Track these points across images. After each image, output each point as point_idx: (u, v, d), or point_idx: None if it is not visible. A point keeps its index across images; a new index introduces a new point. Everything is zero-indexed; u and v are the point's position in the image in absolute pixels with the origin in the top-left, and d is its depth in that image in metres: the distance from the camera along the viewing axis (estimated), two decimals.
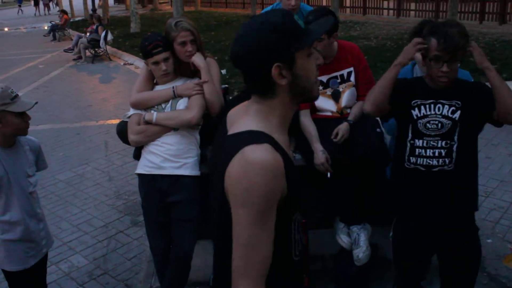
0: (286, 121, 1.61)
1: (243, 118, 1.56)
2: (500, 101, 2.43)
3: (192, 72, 3.21)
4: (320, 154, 3.19)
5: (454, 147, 2.55)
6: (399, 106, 2.64)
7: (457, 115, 2.54)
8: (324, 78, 3.40)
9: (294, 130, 3.36)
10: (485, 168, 5.69)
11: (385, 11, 21.91)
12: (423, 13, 20.27)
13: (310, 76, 1.57)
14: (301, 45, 1.51)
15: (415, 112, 2.59)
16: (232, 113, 1.66)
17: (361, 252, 3.31)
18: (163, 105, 3.10)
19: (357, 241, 3.35)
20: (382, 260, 3.75)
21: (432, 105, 2.57)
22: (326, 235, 3.64)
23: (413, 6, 20.71)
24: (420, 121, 2.58)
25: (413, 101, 2.60)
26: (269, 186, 1.40)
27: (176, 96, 3.09)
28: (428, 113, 2.58)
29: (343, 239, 3.43)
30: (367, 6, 22.62)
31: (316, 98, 1.68)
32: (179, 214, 3.13)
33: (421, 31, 2.66)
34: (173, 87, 3.09)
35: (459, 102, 2.54)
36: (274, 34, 1.49)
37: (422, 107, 2.59)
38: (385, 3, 21.99)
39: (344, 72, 3.41)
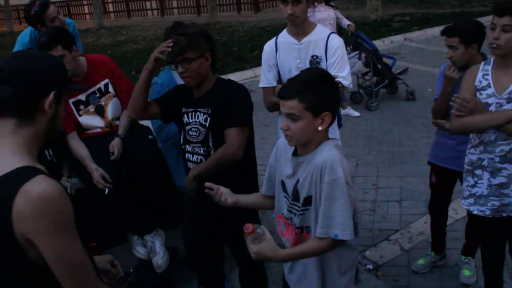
0: (35, 152, 1.61)
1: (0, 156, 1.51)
2: None
3: None
4: (95, 173, 3.13)
5: (212, 153, 2.72)
6: (173, 112, 2.76)
7: (208, 122, 2.71)
8: (82, 97, 3.31)
9: (66, 154, 3.25)
10: (262, 148, 6.18)
11: (149, 12, 22.15)
12: (185, 9, 20.94)
13: (61, 120, 1.68)
14: (68, 88, 1.67)
15: (184, 119, 2.73)
16: None
17: (159, 259, 3.35)
18: None
19: (153, 249, 3.38)
20: (183, 261, 3.86)
21: (192, 113, 2.73)
22: (124, 251, 3.59)
23: (175, 3, 21.29)
24: (186, 127, 2.74)
25: (182, 108, 2.73)
26: (67, 208, 1.49)
27: None
28: (190, 120, 2.73)
29: (139, 251, 3.43)
30: (131, 9, 22.61)
31: (54, 138, 1.74)
32: None
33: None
34: None
35: (209, 109, 2.70)
36: (58, 66, 1.61)
37: (186, 115, 2.74)
38: (148, 3, 22.19)
39: (101, 85, 3.36)
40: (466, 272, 3.57)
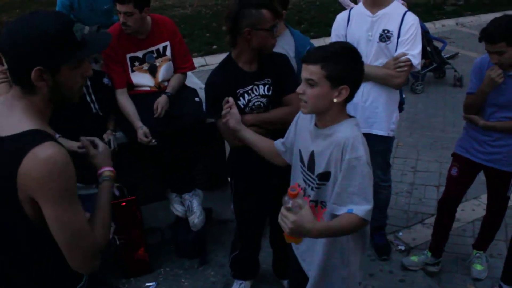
0: (47, 117, 1.64)
1: (12, 117, 1.55)
2: None
3: None
4: (139, 131, 3.19)
5: None
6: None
7: (270, 92, 2.71)
8: (140, 54, 3.36)
9: (113, 109, 3.31)
10: None
11: None
12: None
13: (73, 86, 1.62)
14: (69, 59, 1.55)
15: (241, 102, 2.71)
16: None
17: (195, 218, 3.42)
18: None
19: (190, 208, 3.45)
20: (217, 223, 3.94)
21: (251, 90, 2.71)
22: (161, 207, 3.68)
23: None
24: (246, 108, 2.71)
25: (237, 91, 2.69)
26: (71, 176, 1.53)
27: None
28: (251, 96, 2.72)
29: (177, 208, 3.50)
30: None
31: (75, 101, 1.68)
32: None
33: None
34: None
35: (269, 79, 2.70)
36: (42, 42, 1.50)
37: (246, 95, 2.71)
38: None
39: (160, 46, 3.41)
40: (478, 267, 3.52)
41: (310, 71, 1.99)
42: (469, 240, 3.83)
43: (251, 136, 2.47)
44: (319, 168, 2.11)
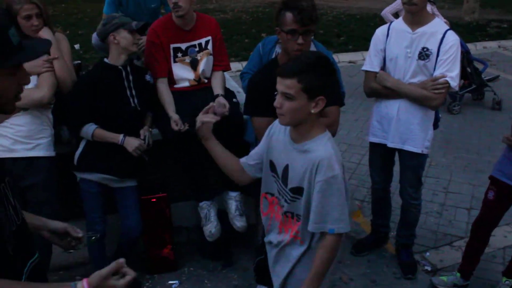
0: None
1: None
2: None
3: None
4: (171, 120, 3.19)
5: None
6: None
7: None
8: (183, 46, 3.44)
9: (151, 106, 3.35)
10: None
11: None
12: None
13: (6, 94, 1.48)
14: (0, 63, 1.41)
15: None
16: None
17: (213, 227, 3.35)
18: None
19: (208, 217, 3.38)
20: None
21: None
22: (190, 207, 3.70)
23: None
24: None
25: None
26: None
27: None
28: None
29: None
30: None
31: (9, 112, 1.55)
32: (35, 197, 3.00)
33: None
34: None
35: None
36: None
37: None
38: None
39: (202, 41, 3.47)
40: None
41: (286, 85, 2.00)
42: (499, 267, 3.74)
43: (216, 148, 2.42)
44: (293, 182, 2.15)
